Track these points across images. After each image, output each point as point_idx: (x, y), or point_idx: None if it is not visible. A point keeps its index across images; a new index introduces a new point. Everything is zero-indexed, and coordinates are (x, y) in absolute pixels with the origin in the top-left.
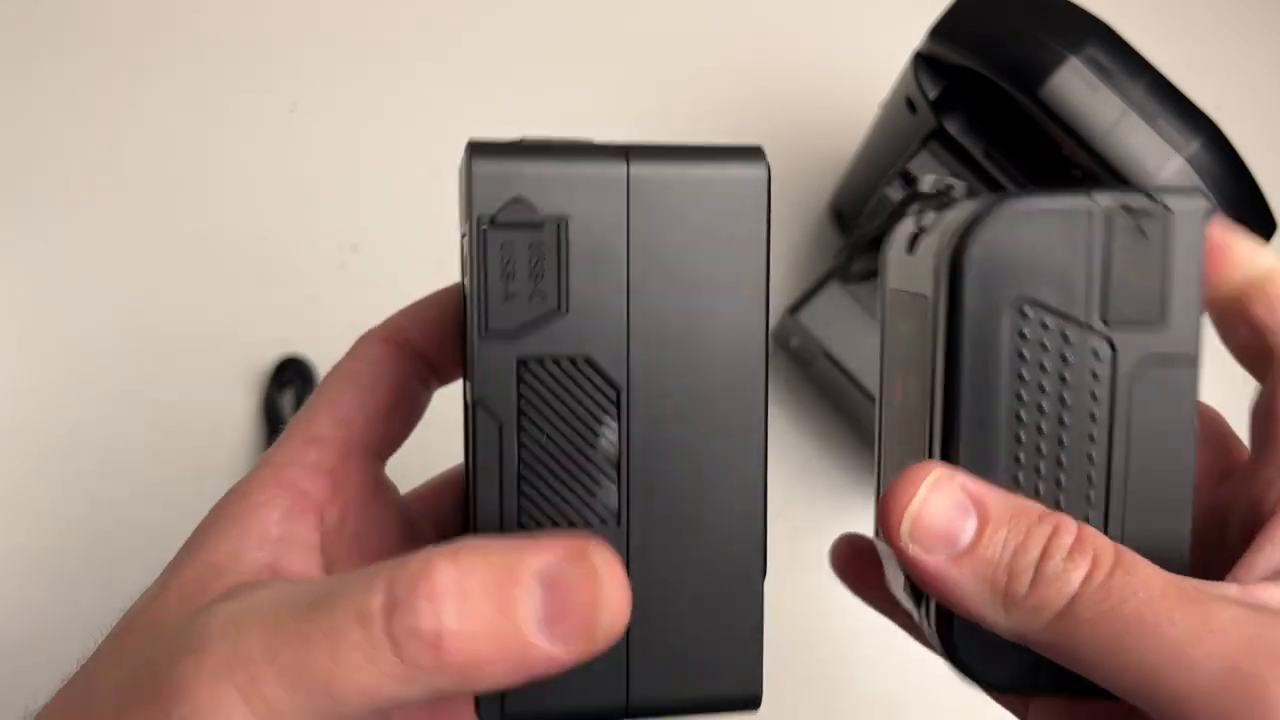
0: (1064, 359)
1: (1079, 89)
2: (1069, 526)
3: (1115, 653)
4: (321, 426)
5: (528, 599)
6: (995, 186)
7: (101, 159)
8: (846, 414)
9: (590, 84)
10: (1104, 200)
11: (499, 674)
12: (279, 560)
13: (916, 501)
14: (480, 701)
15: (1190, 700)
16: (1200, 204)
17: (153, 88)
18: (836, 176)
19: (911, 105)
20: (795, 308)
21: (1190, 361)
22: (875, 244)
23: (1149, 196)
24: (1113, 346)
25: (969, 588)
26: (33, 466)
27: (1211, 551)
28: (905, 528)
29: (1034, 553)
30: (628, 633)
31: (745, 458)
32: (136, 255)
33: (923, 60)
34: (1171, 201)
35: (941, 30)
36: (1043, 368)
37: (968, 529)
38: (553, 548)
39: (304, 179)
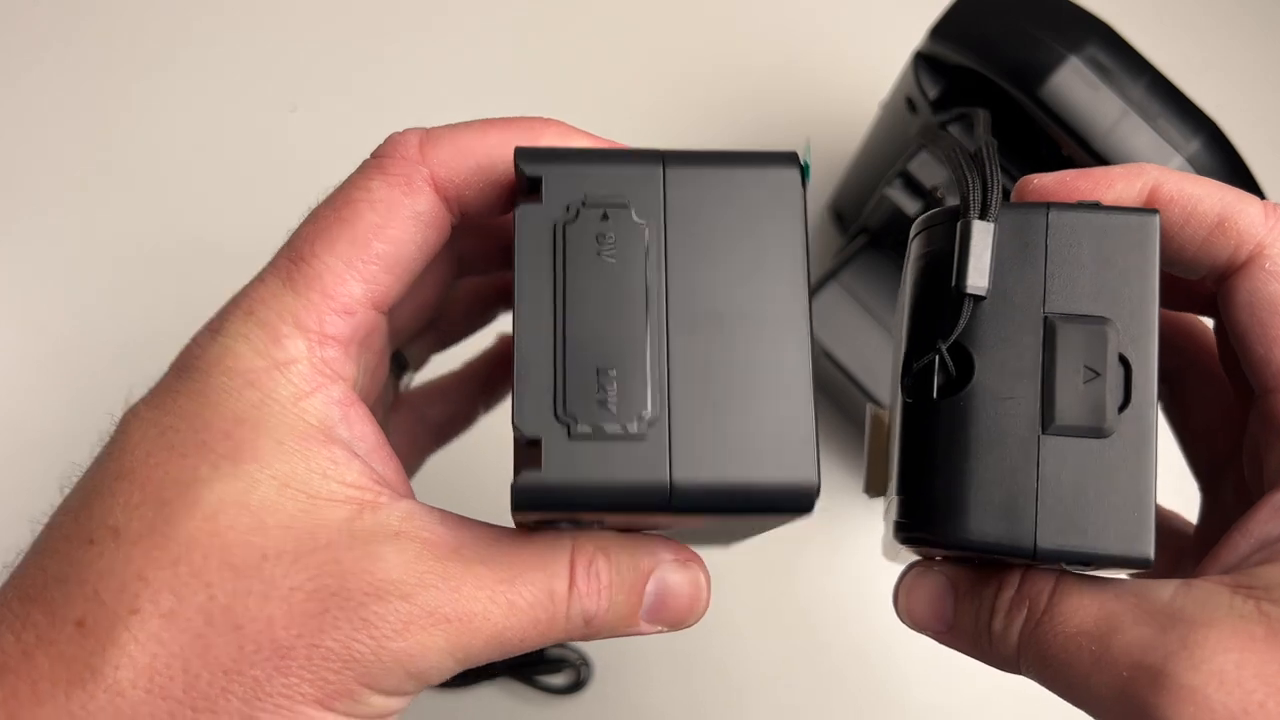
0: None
1: (1079, 89)
2: (1011, 581)
3: (1056, 686)
4: (354, 292)
5: (646, 598)
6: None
7: (101, 159)
8: (847, 414)
9: (590, 84)
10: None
11: (603, 637)
12: (374, 470)
13: (903, 600)
14: (518, 472)
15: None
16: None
17: (152, 87)
18: (836, 176)
19: (911, 105)
20: None
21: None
22: (875, 242)
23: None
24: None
25: (963, 649)
26: (31, 465)
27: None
28: (905, 620)
29: (985, 615)
30: (670, 416)
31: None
32: (136, 256)
33: (923, 60)
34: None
35: (941, 30)
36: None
37: (949, 608)
38: (666, 553)
39: (304, 179)
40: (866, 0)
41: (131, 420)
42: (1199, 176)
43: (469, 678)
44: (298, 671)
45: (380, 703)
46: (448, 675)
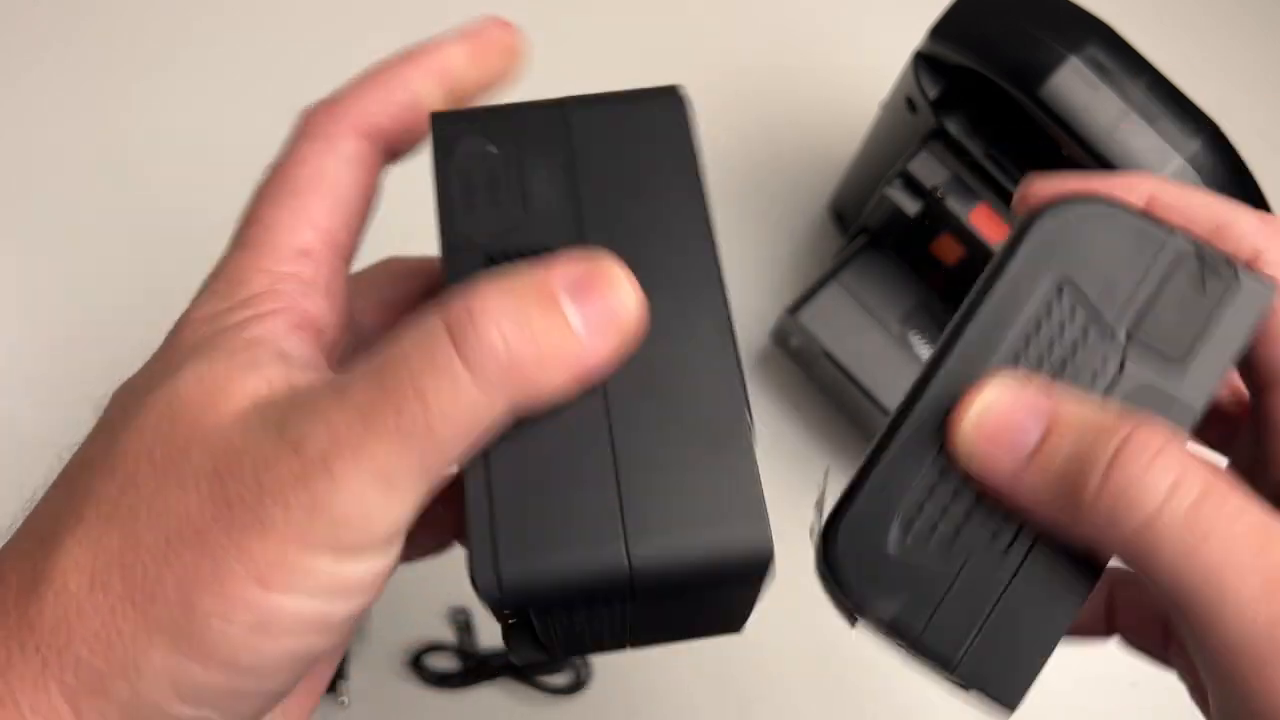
0: (1073, 350)
1: (1079, 89)
2: (1151, 436)
3: (1189, 588)
4: (306, 236)
5: (566, 306)
6: (995, 185)
7: (101, 158)
8: (846, 414)
9: (590, 85)
10: (1182, 241)
11: (559, 379)
12: (297, 372)
13: (974, 411)
14: (475, 574)
15: (1260, 659)
16: (1269, 293)
17: (152, 87)
18: (836, 176)
19: (911, 105)
20: (795, 308)
21: (1189, 414)
22: (875, 242)
23: (1227, 261)
24: (1122, 365)
25: (1029, 493)
26: (34, 466)
27: None
28: (962, 440)
29: (1104, 459)
30: (619, 491)
31: (709, 318)
32: (136, 255)
33: (923, 60)
34: (1244, 274)
35: (941, 30)
36: (1051, 347)
37: (1033, 433)
38: (569, 263)
39: None
40: (866, 0)
41: (116, 392)
42: (1194, 187)
43: (469, 678)
44: (220, 551)
45: (329, 566)
46: (399, 509)
